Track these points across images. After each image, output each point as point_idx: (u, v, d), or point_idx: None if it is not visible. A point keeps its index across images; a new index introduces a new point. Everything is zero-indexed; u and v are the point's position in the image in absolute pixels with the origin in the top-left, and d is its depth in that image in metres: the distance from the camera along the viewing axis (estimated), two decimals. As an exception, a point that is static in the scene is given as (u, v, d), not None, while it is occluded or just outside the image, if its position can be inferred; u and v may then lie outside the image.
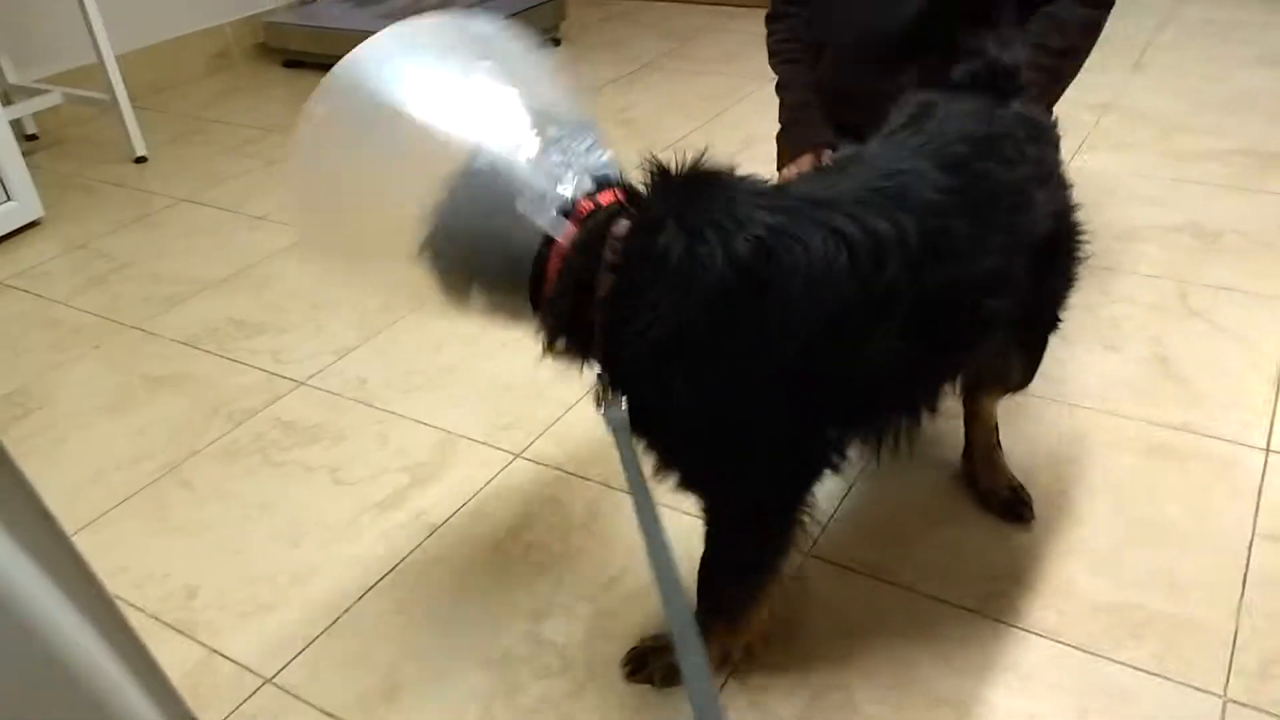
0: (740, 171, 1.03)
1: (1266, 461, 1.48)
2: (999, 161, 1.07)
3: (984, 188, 1.05)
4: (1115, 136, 2.55)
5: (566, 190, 1.02)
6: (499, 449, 1.65)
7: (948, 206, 1.00)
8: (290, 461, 1.64)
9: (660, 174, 1.01)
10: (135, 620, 1.33)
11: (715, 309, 0.94)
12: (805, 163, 1.69)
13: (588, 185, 1.03)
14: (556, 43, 3.69)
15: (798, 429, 1.04)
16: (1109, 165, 2.41)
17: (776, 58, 1.83)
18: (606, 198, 1.03)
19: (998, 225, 1.05)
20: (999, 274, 1.06)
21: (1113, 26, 3.42)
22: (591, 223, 1.01)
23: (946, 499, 1.47)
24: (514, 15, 3.45)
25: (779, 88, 1.83)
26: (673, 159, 1.02)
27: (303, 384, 1.83)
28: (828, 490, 1.49)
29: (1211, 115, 2.65)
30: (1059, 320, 1.33)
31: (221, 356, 1.93)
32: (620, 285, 0.98)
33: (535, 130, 1.03)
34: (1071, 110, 2.67)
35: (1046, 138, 1.19)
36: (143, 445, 1.70)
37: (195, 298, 2.14)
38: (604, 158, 1.06)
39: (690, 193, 1.00)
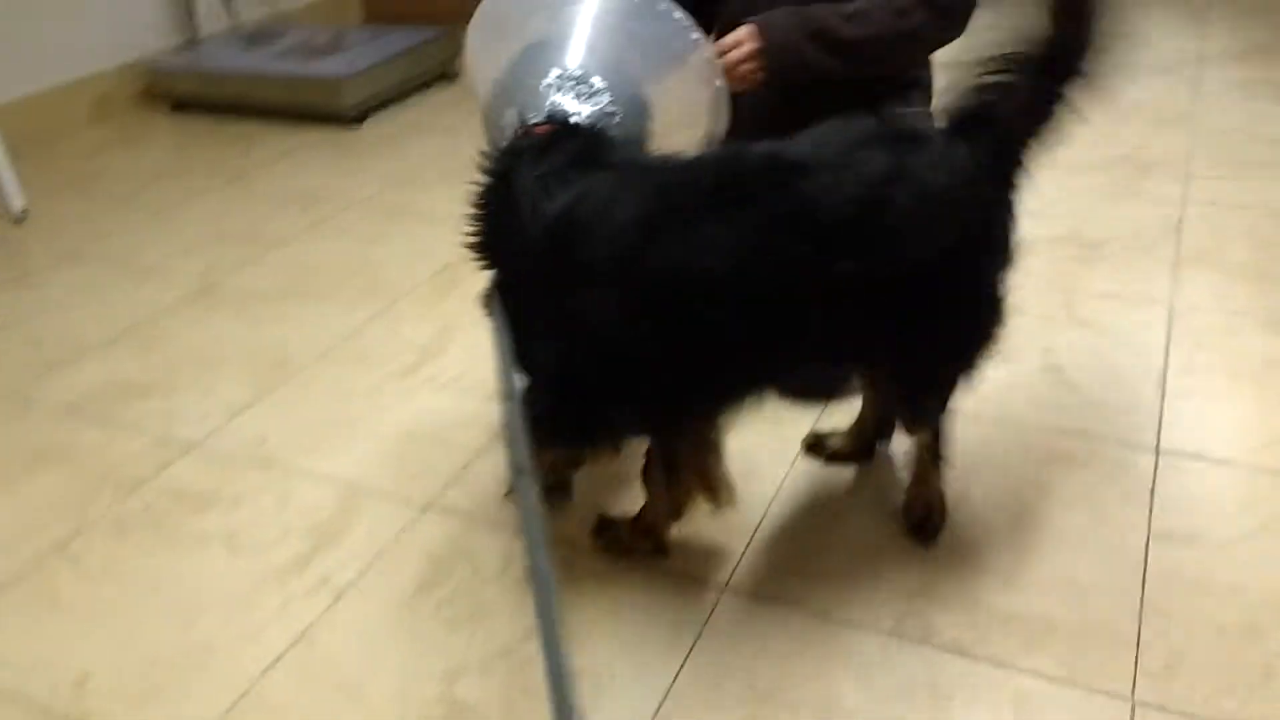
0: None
1: (1157, 462, 1.53)
2: (830, 170, 1.15)
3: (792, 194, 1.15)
4: (1000, 151, 2.64)
5: (534, 113, 1.28)
6: (405, 501, 1.60)
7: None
8: (184, 532, 1.56)
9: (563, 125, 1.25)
10: (21, 714, 1.25)
11: (534, 255, 1.22)
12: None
13: (539, 116, 1.27)
14: (453, 77, 3.67)
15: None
16: (995, 179, 2.49)
17: None
18: (539, 130, 1.25)
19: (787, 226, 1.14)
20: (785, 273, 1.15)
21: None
22: (508, 146, 1.26)
23: (860, 523, 1.48)
24: (404, 53, 3.42)
25: None
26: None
27: (196, 447, 1.76)
28: (741, 523, 1.49)
29: (1094, 126, 2.74)
30: (960, 363, 1.32)
31: (108, 423, 1.84)
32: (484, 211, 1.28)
33: (577, 63, 1.33)
34: (957, 127, 2.76)
35: (918, 153, 1.20)
36: (25, 523, 1.60)
37: (79, 361, 2.04)
38: (594, 108, 1.29)
39: (557, 145, 1.22)
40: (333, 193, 2.80)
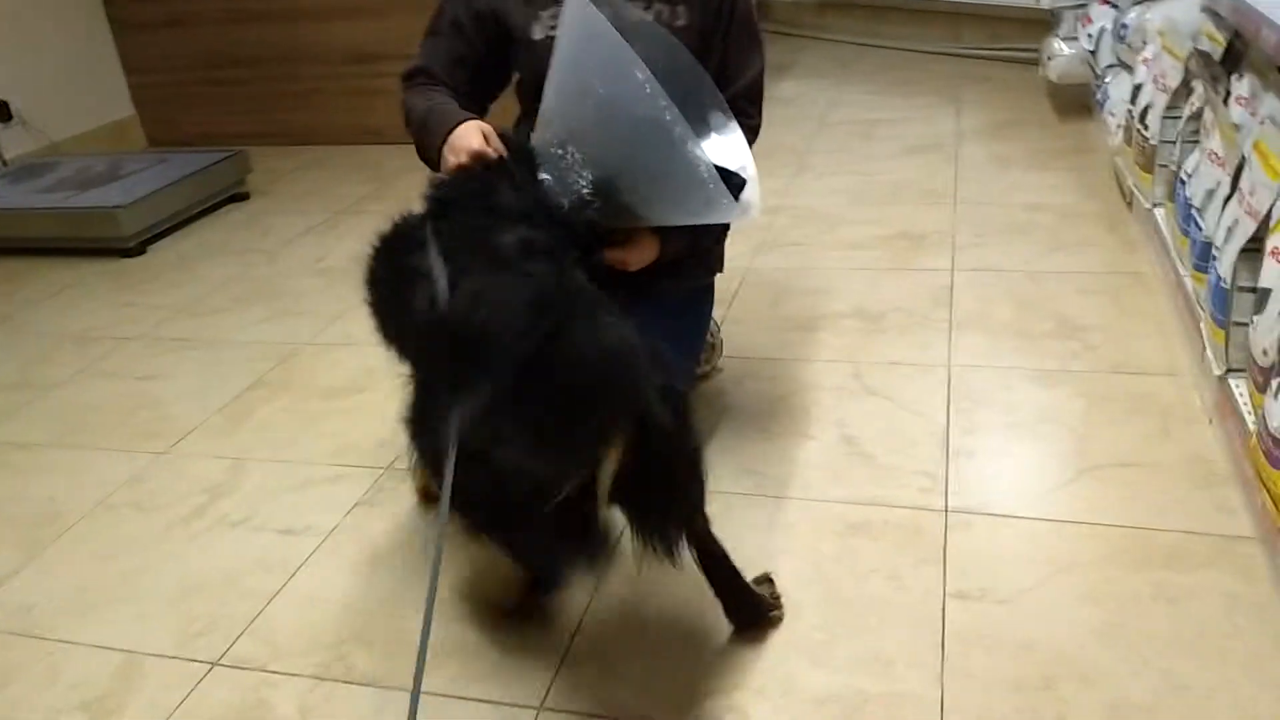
0: None
1: (946, 521, 1.59)
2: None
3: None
4: (787, 236, 2.77)
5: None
6: (192, 660, 1.47)
7: None
8: (-74, 730, 1.37)
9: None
10: None
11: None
12: (471, 132, 1.49)
13: None
14: (244, 197, 3.56)
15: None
16: (783, 262, 2.61)
17: (406, 91, 1.67)
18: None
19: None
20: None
21: (777, 137, 3.76)
22: None
23: (672, 624, 1.46)
24: (188, 177, 3.30)
25: (415, 100, 1.63)
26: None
27: (-56, 629, 1.56)
28: (553, 634, 1.44)
29: (869, 206, 2.95)
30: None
31: None
32: None
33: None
34: (746, 215, 2.90)
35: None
36: None
37: None
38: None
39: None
40: (111, 328, 2.63)
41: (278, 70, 4.07)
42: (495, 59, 1.69)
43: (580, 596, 1.50)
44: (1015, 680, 1.29)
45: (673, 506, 1.28)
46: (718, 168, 1.36)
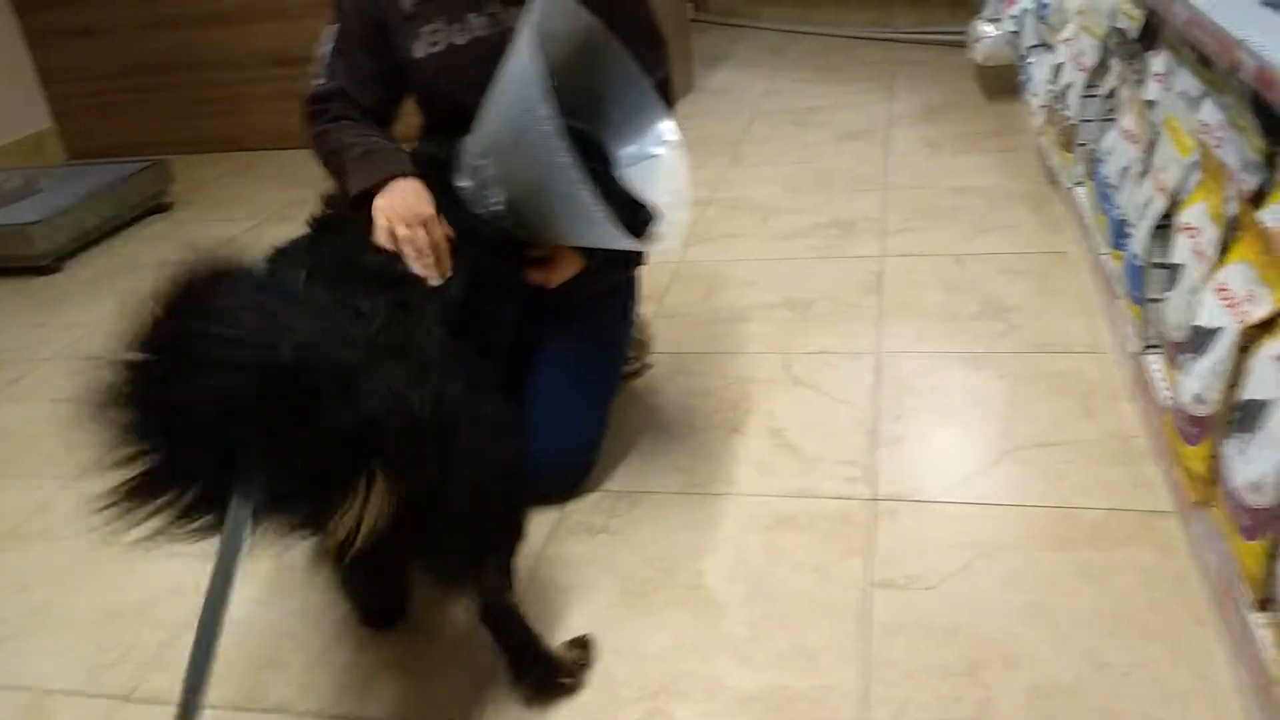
0: None
1: (874, 511, 1.58)
2: None
3: None
4: (719, 227, 2.76)
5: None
6: (101, 696, 1.41)
7: None
8: None
9: None
10: None
11: None
12: (420, 197, 1.39)
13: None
14: (166, 208, 3.46)
15: None
16: (715, 254, 2.59)
17: (326, 121, 1.57)
18: None
19: None
20: None
21: (711, 127, 3.73)
22: None
23: (588, 629, 1.43)
24: (106, 189, 3.20)
25: (331, 135, 1.54)
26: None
27: None
28: (470, 654, 1.41)
29: (802, 195, 2.94)
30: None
31: None
32: None
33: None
34: (676, 208, 2.87)
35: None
36: None
37: None
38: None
39: None
40: (22, 350, 2.54)
41: (198, 76, 3.96)
42: (397, 71, 1.62)
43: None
44: (940, 667, 1.28)
45: (484, 543, 1.23)
46: (628, 201, 1.36)
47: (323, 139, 1.55)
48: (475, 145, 1.44)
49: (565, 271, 1.55)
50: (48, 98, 4.20)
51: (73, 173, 3.39)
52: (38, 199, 3.14)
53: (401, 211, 1.34)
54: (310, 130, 1.58)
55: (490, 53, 1.43)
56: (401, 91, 1.66)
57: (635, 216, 1.43)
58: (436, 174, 1.44)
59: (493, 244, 1.42)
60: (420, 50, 1.57)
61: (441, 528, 1.14)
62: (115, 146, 4.08)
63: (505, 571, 1.29)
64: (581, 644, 1.37)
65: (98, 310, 2.72)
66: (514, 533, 1.29)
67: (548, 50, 1.30)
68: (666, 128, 1.58)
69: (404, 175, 1.41)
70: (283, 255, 1.27)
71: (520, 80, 1.29)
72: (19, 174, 3.47)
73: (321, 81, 1.59)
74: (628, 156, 1.57)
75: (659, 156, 1.57)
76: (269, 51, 3.82)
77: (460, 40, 1.57)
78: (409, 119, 1.71)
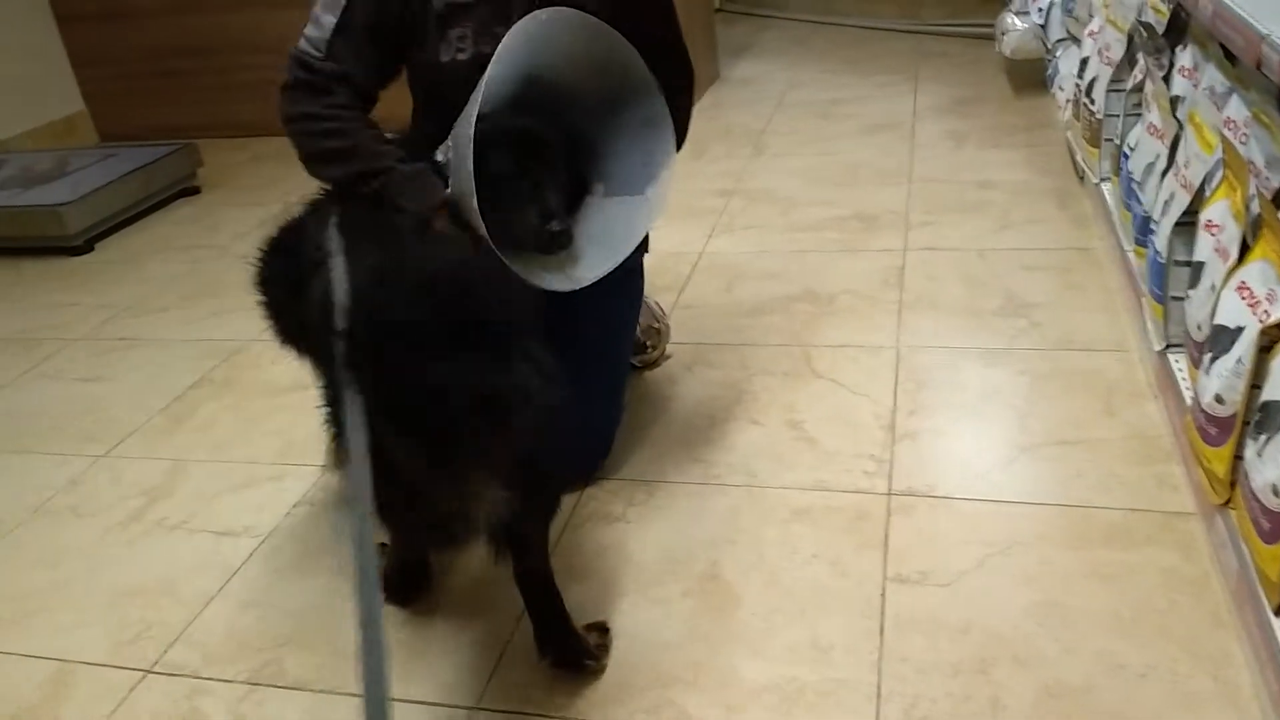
0: None
1: (890, 505, 1.58)
2: None
3: None
4: (742, 218, 2.75)
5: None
6: (125, 668, 1.44)
7: None
8: None
9: None
10: None
11: None
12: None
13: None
14: (195, 191, 3.50)
15: None
16: (737, 245, 2.59)
17: (331, 122, 1.53)
18: None
19: None
20: None
21: (735, 118, 3.72)
22: None
23: (605, 618, 1.44)
24: (137, 172, 3.24)
25: (348, 136, 1.51)
26: None
27: None
28: (490, 634, 1.43)
29: (825, 187, 2.93)
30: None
31: None
32: None
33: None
34: (699, 199, 2.87)
35: None
36: None
37: None
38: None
39: None
40: (54, 329, 2.58)
41: (227, 61, 3.99)
42: (394, 64, 1.62)
43: (518, 598, 1.48)
44: (952, 664, 1.29)
45: (530, 509, 1.25)
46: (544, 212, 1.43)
47: (317, 120, 1.52)
48: (453, 132, 1.46)
49: None
50: (79, 80, 4.25)
51: (104, 155, 3.43)
52: (69, 180, 3.19)
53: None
54: (299, 100, 1.53)
55: None
56: (388, 82, 1.62)
57: (542, 226, 1.43)
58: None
59: None
60: (445, 54, 1.57)
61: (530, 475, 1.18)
62: (145, 129, 4.12)
63: (544, 537, 1.31)
64: (601, 629, 1.39)
65: (126, 291, 2.76)
66: (556, 496, 1.32)
67: (565, 65, 1.34)
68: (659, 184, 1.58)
69: (414, 173, 1.45)
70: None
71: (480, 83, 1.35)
72: (52, 155, 3.52)
73: (319, 56, 1.52)
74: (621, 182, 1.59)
75: (644, 200, 1.58)
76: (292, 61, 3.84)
77: (489, 49, 1.55)
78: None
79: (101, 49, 4.14)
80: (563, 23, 1.44)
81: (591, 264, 1.51)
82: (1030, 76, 3.54)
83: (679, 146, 1.62)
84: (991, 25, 3.76)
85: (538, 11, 1.41)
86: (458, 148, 1.37)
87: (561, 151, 1.50)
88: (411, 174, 1.45)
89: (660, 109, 1.55)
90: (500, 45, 1.36)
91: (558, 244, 1.46)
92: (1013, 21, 3.39)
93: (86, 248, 3.07)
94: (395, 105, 1.66)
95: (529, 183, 1.45)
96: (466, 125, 1.34)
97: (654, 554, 1.54)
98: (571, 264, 1.50)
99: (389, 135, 1.53)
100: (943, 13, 4.45)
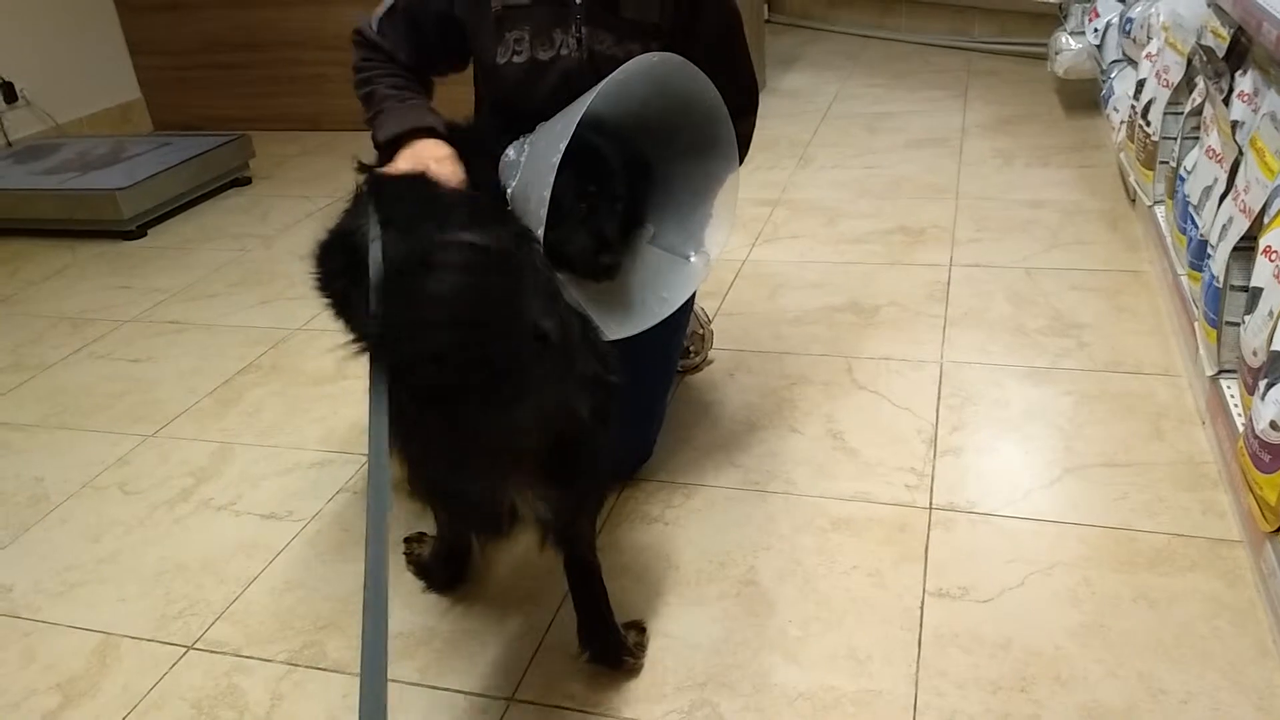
0: None
1: (930, 519, 1.57)
2: None
3: None
4: (786, 228, 2.75)
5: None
6: (168, 643, 1.47)
7: None
8: (-100, 708, 1.38)
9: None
10: None
11: None
12: (433, 144, 1.47)
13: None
14: (246, 182, 3.55)
15: None
16: (781, 254, 2.59)
17: (362, 73, 1.62)
18: None
19: None
20: None
21: (781, 129, 3.72)
22: None
23: (644, 616, 1.45)
24: (190, 160, 3.30)
25: (370, 83, 1.60)
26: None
27: (-78, 608, 1.57)
28: (528, 626, 1.44)
29: (870, 199, 2.92)
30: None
31: None
32: None
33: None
34: (744, 207, 2.87)
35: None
36: None
37: None
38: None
39: None
40: (107, 310, 2.63)
41: (283, 55, 4.06)
42: (450, 55, 1.64)
43: (556, 590, 1.49)
44: (990, 681, 1.28)
45: (582, 500, 1.25)
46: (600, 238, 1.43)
47: (364, 83, 1.62)
48: (531, 137, 1.47)
49: None
50: (136, 68, 4.34)
51: (159, 143, 3.49)
52: (125, 166, 3.25)
53: (423, 154, 1.45)
54: (356, 63, 1.65)
55: (570, 73, 1.53)
56: (436, 68, 1.67)
57: (595, 254, 1.44)
58: (468, 146, 1.49)
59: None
60: (502, 56, 1.58)
61: (579, 466, 1.18)
62: (199, 119, 4.21)
63: (592, 529, 1.32)
64: (638, 628, 1.39)
65: (177, 277, 2.82)
66: (606, 486, 1.33)
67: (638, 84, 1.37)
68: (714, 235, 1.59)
69: (430, 131, 1.49)
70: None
71: (571, 114, 1.35)
72: (108, 141, 3.59)
73: (373, 31, 1.63)
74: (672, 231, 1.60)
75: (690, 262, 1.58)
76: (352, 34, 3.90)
77: (543, 56, 1.57)
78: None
79: (160, 39, 4.23)
80: (674, 68, 1.43)
81: (624, 321, 1.49)
82: (1081, 97, 3.51)
83: (739, 164, 1.61)
84: (1043, 44, 3.74)
85: (650, 55, 1.41)
86: (537, 174, 1.34)
87: (623, 178, 1.49)
88: (401, 106, 1.53)
89: (726, 133, 1.53)
90: (606, 80, 1.35)
91: (606, 275, 1.46)
92: (1067, 41, 3.36)
93: (140, 233, 3.13)
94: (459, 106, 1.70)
95: (588, 205, 1.44)
96: (553, 155, 1.30)
97: (691, 556, 1.55)
98: (608, 308, 1.49)
99: (457, 121, 1.56)
100: (994, 30, 4.43)
